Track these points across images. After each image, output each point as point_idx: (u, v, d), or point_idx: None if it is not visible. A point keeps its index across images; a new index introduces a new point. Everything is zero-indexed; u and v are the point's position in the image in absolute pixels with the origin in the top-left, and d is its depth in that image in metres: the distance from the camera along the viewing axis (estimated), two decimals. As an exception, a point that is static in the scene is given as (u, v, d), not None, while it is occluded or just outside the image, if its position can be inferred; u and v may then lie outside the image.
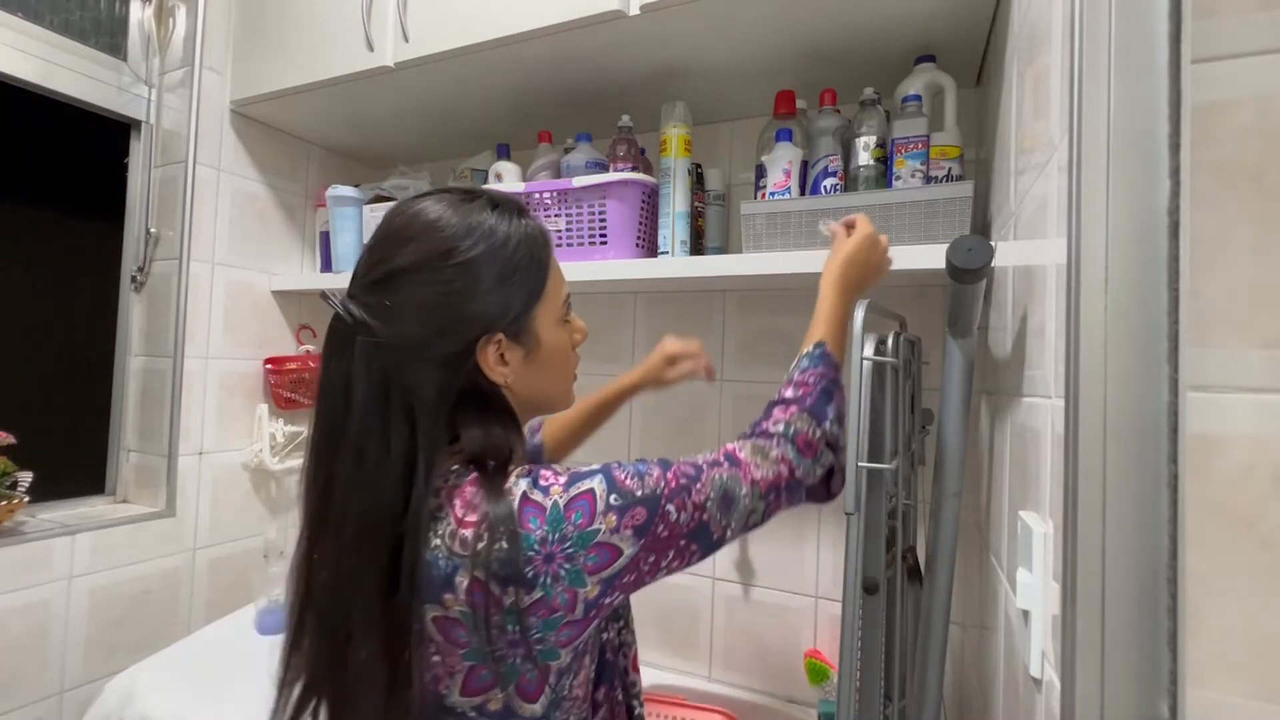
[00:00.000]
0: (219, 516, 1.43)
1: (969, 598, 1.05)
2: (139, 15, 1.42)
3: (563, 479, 0.53)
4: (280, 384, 1.48)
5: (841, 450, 0.69)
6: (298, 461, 1.51)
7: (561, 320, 0.64)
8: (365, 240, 1.40)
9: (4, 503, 1.14)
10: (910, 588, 0.89)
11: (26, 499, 1.17)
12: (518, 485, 0.52)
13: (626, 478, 0.54)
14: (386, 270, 0.55)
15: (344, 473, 0.53)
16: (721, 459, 0.60)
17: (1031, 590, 0.53)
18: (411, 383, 0.53)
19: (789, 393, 0.69)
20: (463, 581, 0.49)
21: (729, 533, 0.58)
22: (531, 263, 0.58)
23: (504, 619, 0.49)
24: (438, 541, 0.51)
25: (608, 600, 0.52)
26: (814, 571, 1.24)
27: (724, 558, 1.32)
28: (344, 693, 0.53)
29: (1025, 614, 0.54)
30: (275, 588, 1.21)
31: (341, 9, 1.21)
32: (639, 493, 0.53)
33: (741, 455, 0.61)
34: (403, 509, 0.52)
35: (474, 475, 0.53)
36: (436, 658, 0.51)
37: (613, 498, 0.52)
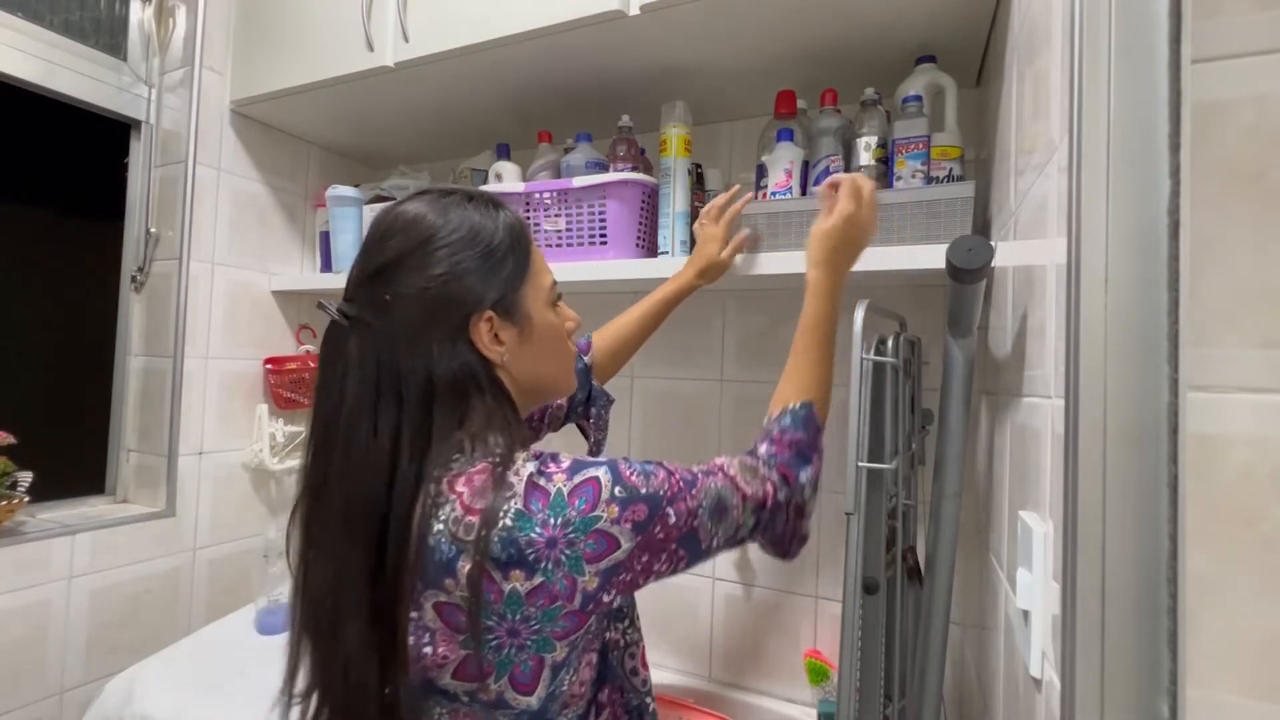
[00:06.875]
0: (219, 516, 1.42)
1: (969, 598, 1.05)
2: (139, 15, 1.42)
3: (566, 465, 0.54)
4: (280, 384, 1.48)
5: (809, 517, 0.67)
6: (298, 461, 1.51)
7: (550, 304, 0.66)
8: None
9: (4, 503, 1.14)
10: (910, 588, 0.89)
11: (26, 499, 1.17)
12: (524, 469, 0.53)
13: (632, 474, 0.54)
14: (375, 267, 0.58)
15: (335, 465, 0.54)
16: (715, 470, 0.61)
17: (1031, 590, 0.53)
18: (405, 369, 0.55)
19: (763, 449, 0.66)
20: (465, 566, 0.49)
21: (715, 543, 0.58)
22: (513, 244, 0.61)
23: (504, 606, 0.49)
24: (440, 526, 0.51)
25: (605, 598, 0.52)
26: (814, 571, 1.24)
27: (724, 557, 1.32)
28: (337, 686, 0.53)
29: (1025, 614, 0.54)
30: (275, 587, 1.21)
31: (341, 9, 1.21)
32: (643, 490, 0.53)
33: (731, 471, 0.61)
34: (388, 494, 0.52)
35: (483, 464, 0.53)
36: (429, 647, 0.51)
37: (617, 489, 0.52)
